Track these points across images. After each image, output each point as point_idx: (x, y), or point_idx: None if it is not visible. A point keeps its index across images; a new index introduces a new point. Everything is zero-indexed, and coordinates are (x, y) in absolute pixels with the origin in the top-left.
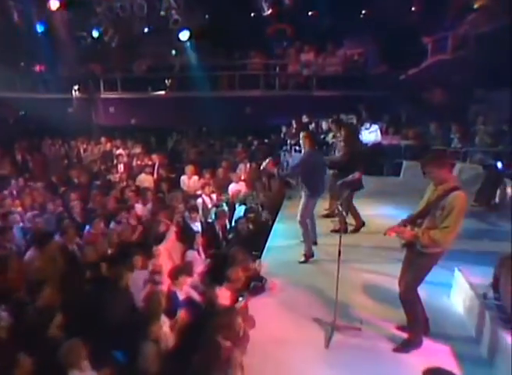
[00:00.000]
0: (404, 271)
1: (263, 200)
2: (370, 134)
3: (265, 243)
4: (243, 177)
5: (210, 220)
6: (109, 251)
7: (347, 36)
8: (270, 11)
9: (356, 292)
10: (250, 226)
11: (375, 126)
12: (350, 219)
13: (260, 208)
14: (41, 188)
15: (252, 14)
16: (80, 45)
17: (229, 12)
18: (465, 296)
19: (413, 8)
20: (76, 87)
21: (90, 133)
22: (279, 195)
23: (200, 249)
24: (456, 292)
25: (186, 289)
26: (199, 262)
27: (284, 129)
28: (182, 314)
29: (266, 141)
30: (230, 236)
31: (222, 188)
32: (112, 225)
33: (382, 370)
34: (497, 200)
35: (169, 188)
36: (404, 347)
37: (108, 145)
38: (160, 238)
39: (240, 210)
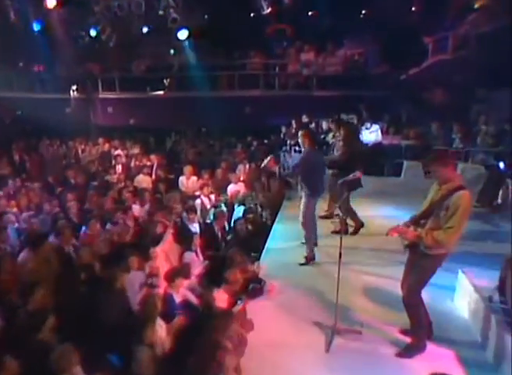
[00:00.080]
0: (407, 273)
1: (262, 200)
2: (370, 134)
3: (264, 244)
4: (242, 178)
5: (208, 221)
6: (104, 253)
7: (347, 36)
8: (269, 9)
9: (357, 295)
10: (249, 227)
11: (376, 126)
12: (349, 221)
13: (259, 209)
14: (38, 189)
15: (252, 14)
16: (77, 44)
17: (229, 11)
18: (469, 299)
19: (413, 8)
20: (74, 87)
21: (89, 134)
22: (278, 196)
23: (198, 251)
24: (459, 295)
25: (183, 291)
26: (197, 263)
27: (284, 129)
28: (178, 317)
29: (266, 141)
30: (229, 237)
31: (220, 189)
32: (109, 226)
33: None
34: (499, 201)
35: (167, 189)
36: (407, 351)
37: (106, 146)
38: (157, 239)
39: (238, 211)
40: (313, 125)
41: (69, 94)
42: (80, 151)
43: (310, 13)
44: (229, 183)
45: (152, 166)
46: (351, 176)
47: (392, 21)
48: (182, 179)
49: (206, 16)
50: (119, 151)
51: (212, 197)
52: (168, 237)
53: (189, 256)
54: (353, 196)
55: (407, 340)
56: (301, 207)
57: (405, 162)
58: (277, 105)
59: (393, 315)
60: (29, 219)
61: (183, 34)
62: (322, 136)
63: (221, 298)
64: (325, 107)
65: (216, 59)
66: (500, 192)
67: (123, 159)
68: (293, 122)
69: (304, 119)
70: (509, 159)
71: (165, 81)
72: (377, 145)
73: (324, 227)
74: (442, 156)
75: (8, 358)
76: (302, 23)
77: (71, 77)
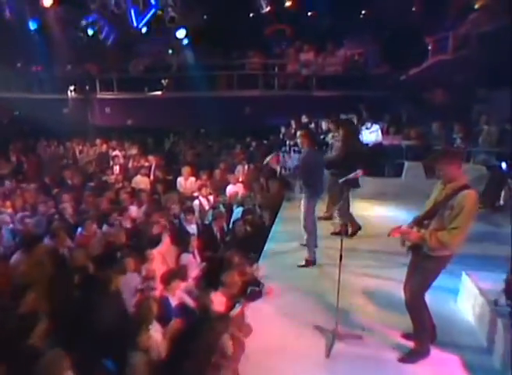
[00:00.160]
0: (410, 276)
1: (261, 201)
2: (371, 134)
3: (263, 246)
4: (241, 179)
5: (207, 222)
6: (99, 254)
7: (347, 36)
8: (268, 8)
9: (358, 298)
10: (248, 229)
11: (376, 126)
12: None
13: (258, 210)
14: (33, 189)
15: (251, 14)
16: (74, 44)
17: (228, 11)
18: (474, 302)
19: (413, 9)
20: (71, 88)
21: (86, 135)
22: (277, 197)
23: (196, 252)
24: (463, 298)
25: (179, 294)
26: (194, 265)
27: (283, 129)
28: (174, 321)
29: (265, 142)
30: (227, 238)
31: (219, 190)
32: (105, 227)
33: None
34: (502, 202)
35: (165, 190)
36: (410, 356)
37: (104, 146)
38: (154, 241)
39: (237, 212)
40: (312, 125)
41: (67, 94)
42: (77, 152)
43: (309, 13)
44: (228, 184)
45: (150, 167)
46: (353, 174)
47: (392, 21)
48: (180, 180)
49: (205, 17)
50: (116, 152)
51: (211, 198)
52: (166, 238)
53: (186, 258)
54: (354, 197)
55: (410, 344)
56: (302, 209)
57: (406, 163)
58: (276, 106)
59: (396, 318)
60: (22, 219)
61: (181, 34)
62: (322, 136)
63: (218, 301)
64: (325, 107)
65: (215, 59)
66: (502, 193)
67: (121, 160)
68: (293, 122)
69: (304, 119)
70: (511, 160)
71: (163, 81)
72: (377, 145)
73: (323, 229)
74: (448, 154)
75: None
76: (301, 23)
77: (69, 77)
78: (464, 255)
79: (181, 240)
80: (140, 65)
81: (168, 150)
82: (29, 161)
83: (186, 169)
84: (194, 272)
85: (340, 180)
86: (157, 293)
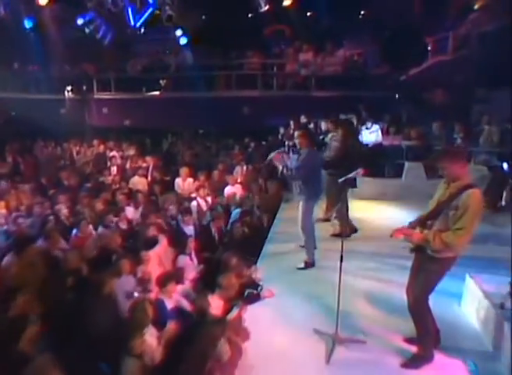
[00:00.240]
0: (413, 278)
1: (259, 202)
2: (371, 134)
3: (261, 247)
4: (239, 180)
5: (205, 223)
6: (93, 256)
7: (346, 36)
8: (267, 7)
9: (359, 301)
10: (246, 230)
11: (376, 126)
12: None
13: (256, 211)
14: (29, 190)
15: (250, 14)
16: (71, 43)
17: (226, 11)
18: (478, 305)
19: (413, 9)
20: (68, 88)
21: (84, 135)
22: (276, 198)
23: (193, 254)
24: (467, 301)
25: (175, 297)
26: (191, 268)
27: (282, 130)
28: (170, 325)
29: (263, 142)
30: (225, 240)
31: (217, 191)
32: (100, 229)
33: None
34: (503, 202)
35: (163, 191)
36: (413, 361)
37: (102, 147)
38: (150, 242)
39: (235, 213)
40: (312, 125)
41: (64, 94)
42: (74, 153)
43: (308, 14)
44: (226, 185)
45: (148, 168)
46: (353, 173)
47: (392, 21)
48: (178, 181)
49: (204, 17)
50: (114, 153)
51: (209, 199)
52: (162, 240)
53: (182, 260)
54: (353, 198)
55: (413, 349)
56: (300, 211)
57: (406, 163)
58: (275, 106)
59: (398, 322)
60: (14, 220)
61: (179, 33)
62: (321, 136)
63: (215, 304)
64: (324, 107)
65: (213, 59)
66: (504, 193)
67: (118, 161)
68: (292, 123)
69: (303, 119)
70: None
71: (161, 81)
72: (377, 146)
73: (323, 230)
74: (452, 152)
75: None
76: (301, 24)
77: (66, 77)
78: (466, 257)
79: (178, 241)
80: (138, 65)
81: (167, 151)
82: (25, 162)
83: (184, 170)
84: (191, 274)
85: (340, 180)
86: (152, 295)
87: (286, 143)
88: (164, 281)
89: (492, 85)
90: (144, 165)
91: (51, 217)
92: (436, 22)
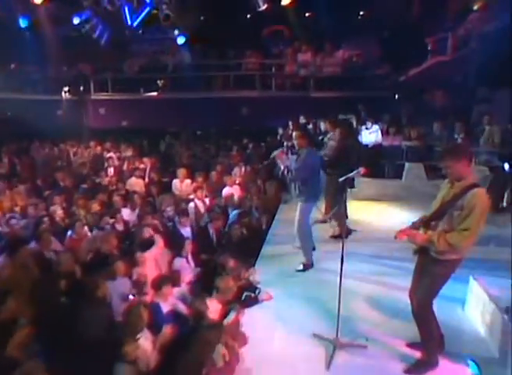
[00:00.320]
0: (416, 281)
1: (258, 204)
2: (370, 135)
3: (260, 249)
4: (237, 181)
5: (203, 224)
6: (87, 258)
7: (345, 37)
8: (265, 6)
9: (360, 304)
10: (244, 232)
11: (376, 127)
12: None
13: (255, 213)
14: (24, 191)
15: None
16: (67, 42)
17: (225, 10)
18: (483, 309)
19: (413, 9)
20: (65, 89)
21: (80, 136)
22: (274, 199)
23: (190, 256)
24: (471, 305)
25: (171, 300)
26: (187, 270)
27: (281, 131)
28: (165, 329)
29: (262, 143)
30: (223, 241)
31: (215, 192)
32: (95, 230)
33: None
34: (505, 203)
35: (160, 192)
36: (417, 367)
37: (99, 148)
38: (146, 244)
39: (233, 214)
40: (311, 126)
41: (61, 95)
42: (71, 154)
43: (307, 14)
44: (224, 186)
45: (145, 169)
46: (354, 173)
47: (391, 22)
48: (175, 182)
49: (201, 16)
50: (111, 154)
51: (207, 200)
52: (159, 242)
53: (179, 262)
54: (353, 198)
55: (417, 354)
56: (297, 213)
57: (406, 164)
58: (274, 107)
59: (401, 326)
60: (7, 221)
61: (177, 33)
62: (320, 137)
63: (212, 307)
64: (323, 108)
65: (211, 59)
66: (506, 195)
67: (115, 162)
68: (290, 123)
69: (302, 120)
70: None
71: (158, 82)
72: (377, 146)
73: (321, 231)
74: (457, 149)
75: None
76: (299, 24)
77: (62, 78)
78: (469, 259)
79: (175, 243)
80: (136, 65)
81: (164, 152)
82: (22, 163)
83: (181, 171)
84: (188, 277)
85: (340, 179)
86: (148, 298)
87: (285, 144)
88: (160, 284)
89: (493, 85)
90: (142, 166)
91: (46, 218)
92: (436, 22)
